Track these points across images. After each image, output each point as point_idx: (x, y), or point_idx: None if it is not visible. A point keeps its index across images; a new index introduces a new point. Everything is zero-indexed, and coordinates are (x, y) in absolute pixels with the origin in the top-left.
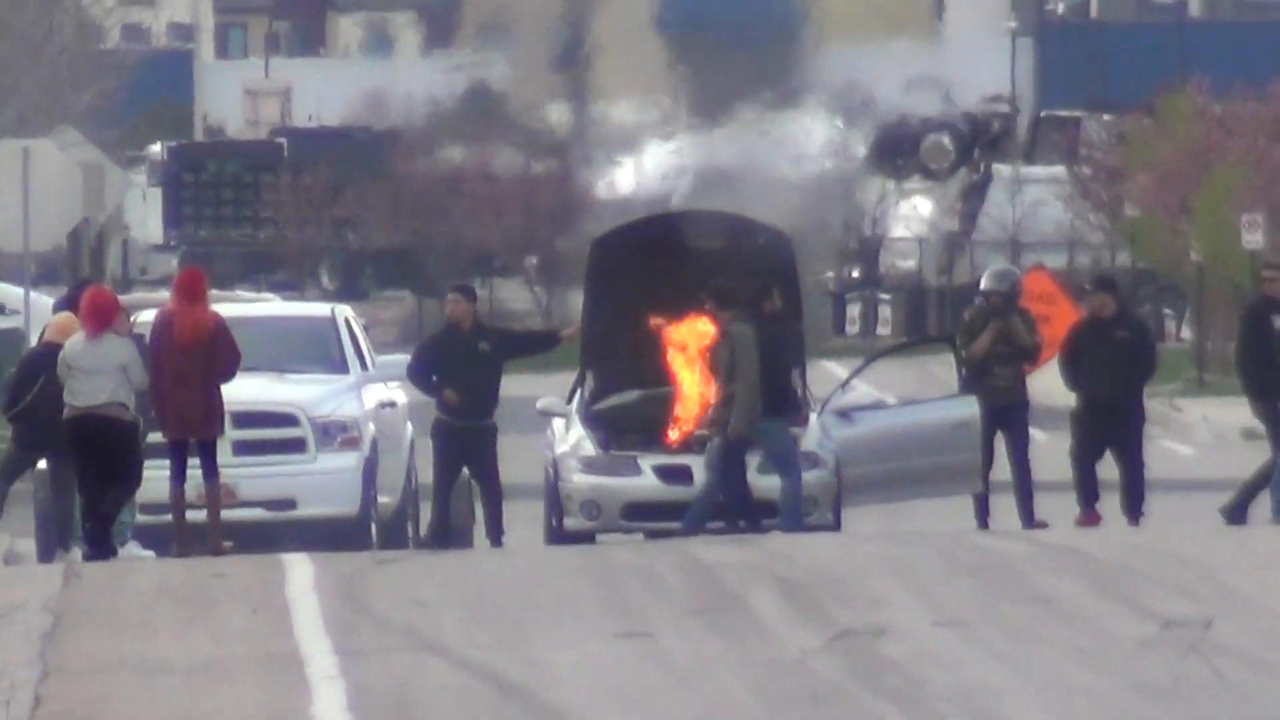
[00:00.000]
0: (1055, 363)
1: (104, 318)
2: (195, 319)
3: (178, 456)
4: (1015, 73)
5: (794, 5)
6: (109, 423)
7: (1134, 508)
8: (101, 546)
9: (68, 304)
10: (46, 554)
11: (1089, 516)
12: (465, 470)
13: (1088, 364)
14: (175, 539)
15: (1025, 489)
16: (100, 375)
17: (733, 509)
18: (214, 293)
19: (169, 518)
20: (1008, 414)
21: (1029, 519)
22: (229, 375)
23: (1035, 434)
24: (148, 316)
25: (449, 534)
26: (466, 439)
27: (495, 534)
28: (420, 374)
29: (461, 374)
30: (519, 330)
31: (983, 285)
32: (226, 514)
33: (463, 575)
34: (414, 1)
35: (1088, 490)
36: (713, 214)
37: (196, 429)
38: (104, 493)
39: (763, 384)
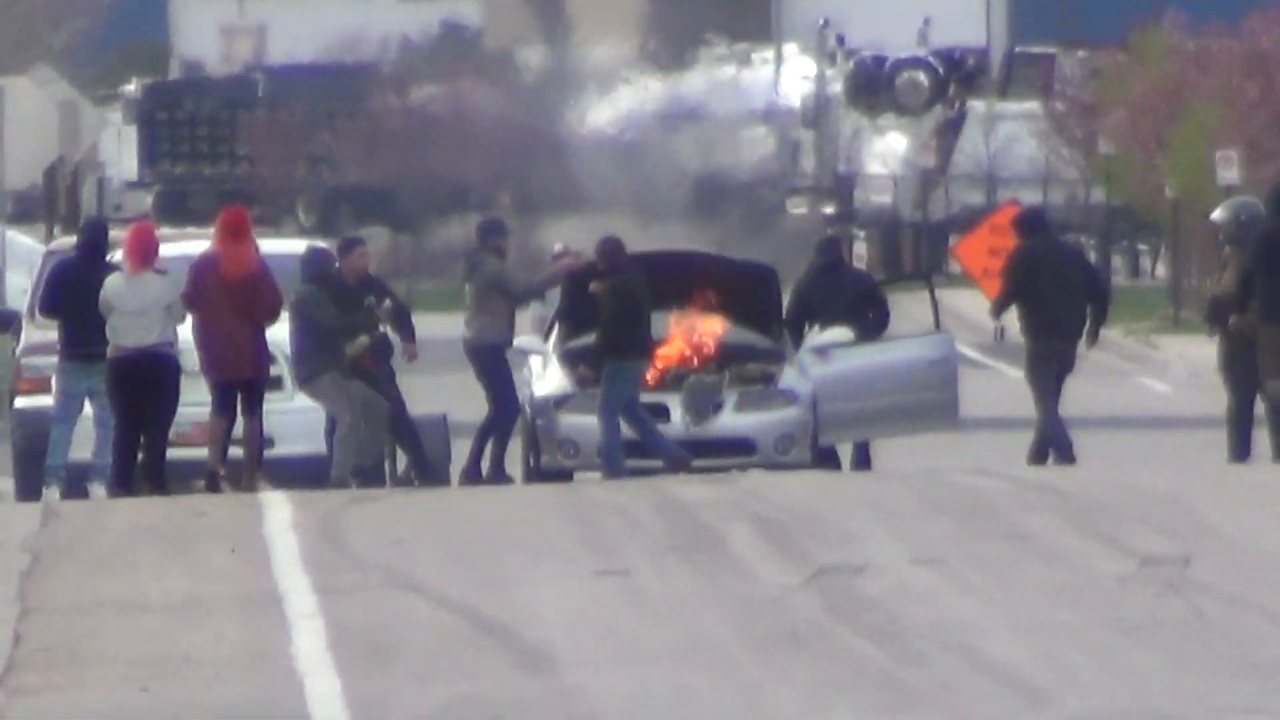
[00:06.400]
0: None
1: (150, 255)
2: (241, 258)
3: (225, 394)
4: (989, 9)
5: None
6: (160, 362)
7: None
8: (127, 485)
9: (87, 245)
10: (25, 492)
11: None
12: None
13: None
14: (213, 471)
15: None
16: (147, 315)
17: None
18: (190, 229)
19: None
20: None
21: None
22: (274, 316)
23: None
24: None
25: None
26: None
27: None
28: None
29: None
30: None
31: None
32: (198, 453)
33: (440, 514)
34: None
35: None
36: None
37: (248, 370)
38: (143, 433)
39: None
